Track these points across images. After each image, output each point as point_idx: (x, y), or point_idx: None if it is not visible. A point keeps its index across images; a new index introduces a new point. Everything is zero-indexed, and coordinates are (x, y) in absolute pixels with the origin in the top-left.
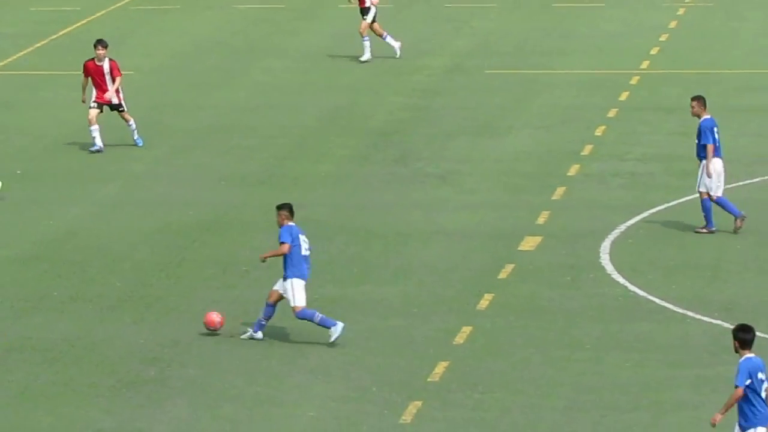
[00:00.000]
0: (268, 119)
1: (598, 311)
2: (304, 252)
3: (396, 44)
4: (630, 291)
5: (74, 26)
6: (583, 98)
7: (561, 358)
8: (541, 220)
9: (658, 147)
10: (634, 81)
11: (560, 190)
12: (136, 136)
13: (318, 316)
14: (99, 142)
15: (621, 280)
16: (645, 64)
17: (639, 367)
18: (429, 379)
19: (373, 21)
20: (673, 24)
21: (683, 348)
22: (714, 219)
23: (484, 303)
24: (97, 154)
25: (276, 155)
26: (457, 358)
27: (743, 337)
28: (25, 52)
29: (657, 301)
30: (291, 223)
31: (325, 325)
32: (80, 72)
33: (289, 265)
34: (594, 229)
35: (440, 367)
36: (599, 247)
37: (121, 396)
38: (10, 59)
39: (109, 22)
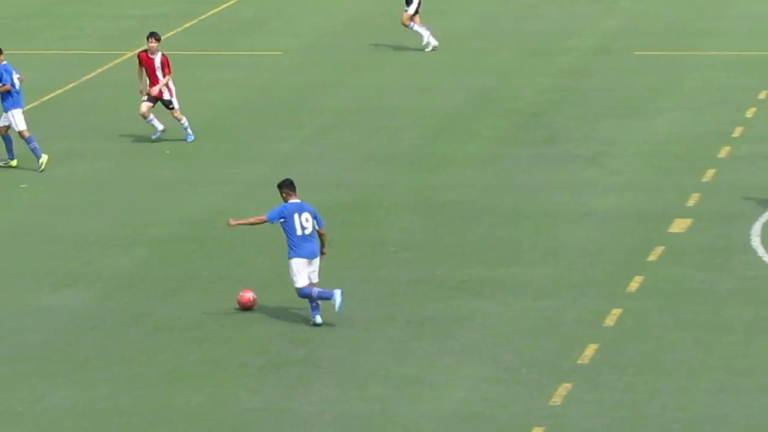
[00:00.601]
0: (415, 100)
1: (750, 294)
2: (299, 233)
3: (425, 33)
4: None
5: (223, 6)
6: (733, 80)
7: (711, 341)
8: (691, 202)
9: None
10: None
11: (710, 172)
12: (188, 133)
13: (315, 290)
14: (159, 126)
15: None
16: None
17: None
18: (578, 361)
19: (416, 12)
20: None
21: None
22: None
23: (633, 285)
24: (244, 135)
25: (424, 136)
26: (606, 340)
27: None
28: (174, 32)
29: None
30: (294, 201)
31: (325, 297)
32: (227, 52)
33: (288, 246)
34: (744, 211)
35: (590, 349)
36: (750, 229)
37: (271, 376)
38: None
39: (257, 3)
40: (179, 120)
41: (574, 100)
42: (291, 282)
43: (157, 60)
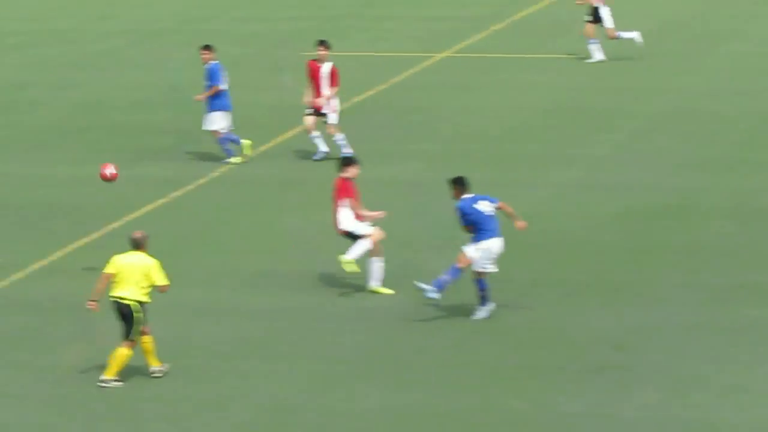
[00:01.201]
0: (730, 104)
1: None
2: (487, 214)
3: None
4: None
5: (532, 9)
6: None
7: None
8: None
9: None
10: None
11: None
12: (342, 150)
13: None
14: (323, 147)
15: None
16: None
17: None
18: None
19: (595, 23)
20: None
21: None
22: None
23: None
24: (556, 138)
25: (739, 141)
26: None
27: None
28: (483, 34)
29: None
30: (466, 196)
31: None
32: (537, 55)
33: (479, 232)
34: None
35: None
36: None
37: (589, 381)
38: (468, 41)
39: (569, 4)
40: (332, 135)
41: None
42: (477, 263)
43: (325, 69)
